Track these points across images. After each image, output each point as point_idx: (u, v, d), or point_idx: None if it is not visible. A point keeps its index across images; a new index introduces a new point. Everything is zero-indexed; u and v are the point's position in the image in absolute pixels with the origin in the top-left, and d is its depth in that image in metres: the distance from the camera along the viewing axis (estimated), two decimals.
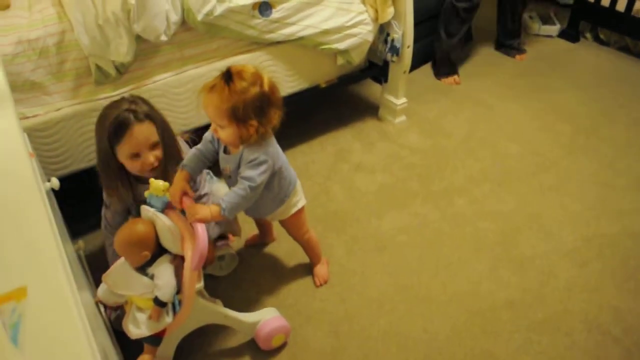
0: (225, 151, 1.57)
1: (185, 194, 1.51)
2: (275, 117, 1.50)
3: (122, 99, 1.61)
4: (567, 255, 2.06)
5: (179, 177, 1.54)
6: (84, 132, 1.96)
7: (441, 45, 3.11)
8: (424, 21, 2.97)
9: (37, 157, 1.82)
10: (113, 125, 1.53)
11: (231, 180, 1.61)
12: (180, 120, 2.16)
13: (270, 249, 2.10)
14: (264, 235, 2.09)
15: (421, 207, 2.29)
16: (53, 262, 0.84)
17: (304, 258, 2.00)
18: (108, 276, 1.48)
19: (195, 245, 1.41)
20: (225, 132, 1.46)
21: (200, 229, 1.41)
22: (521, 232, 2.17)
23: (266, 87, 1.45)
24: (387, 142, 2.67)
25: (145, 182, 1.64)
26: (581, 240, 2.13)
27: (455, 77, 3.17)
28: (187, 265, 1.42)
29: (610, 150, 2.61)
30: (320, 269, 1.97)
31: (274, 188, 1.64)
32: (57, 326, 0.74)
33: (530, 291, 1.93)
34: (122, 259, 1.49)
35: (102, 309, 1.70)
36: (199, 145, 1.61)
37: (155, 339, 1.51)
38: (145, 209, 1.50)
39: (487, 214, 2.25)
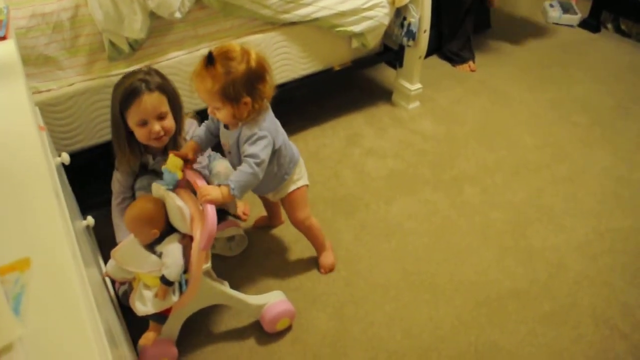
0: (226, 127, 1.60)
1: (189, 164, 1.56)
2: (267, 90, 1.51)
3: (139, 69, 1.67)
4: (578, 248, 2.04)
5: (188, 145, 1.62)
6: (97, 107, 1.96)
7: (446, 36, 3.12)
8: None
9: (49, 132, 1.83)
10: (124, 92, 1.60)
11: (231, 156, 1.64)
12: (193, 99, 2.15)
13: (278, 231, 2.10)
14: (272, 217, 2.09)
15: (431, 195, 2.27)
16: (58, 235, 0.84)
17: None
18: (117, 252, 1.48)
19: (204, 225, 1.41)
20: (222, 113, 1.50)
21: (210, 209, 1.41)
22: (532, 223, 2.14)
23: (253, 63, 1.46)
24: (400, 127, 2.65)
25: (152, 152, 1.74)
26: (593, 233, 2.10)
27: (470, 63, 3.12)
28: (195, 245, 1.42)
29: (626, 143, 2.57)
30: (326, 259, 1.94)
31: (274, 167, 1.64)
32: (60, 298, 0.74)
33: (538, 283, 1.91)
34: (132, 235, 1.49)
35: (111, 284, 1.71)
36: (207, 121, 1.65)
37: (161, 317, 1.52)
38: (156, 187, 1.50)
39: (498, 204, 2.23)
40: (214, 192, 1.44)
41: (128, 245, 1.49)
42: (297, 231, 1.90)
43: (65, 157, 1.50)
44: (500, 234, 2.10)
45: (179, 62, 2.07)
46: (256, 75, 1.47)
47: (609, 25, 3.54)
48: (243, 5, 2.06)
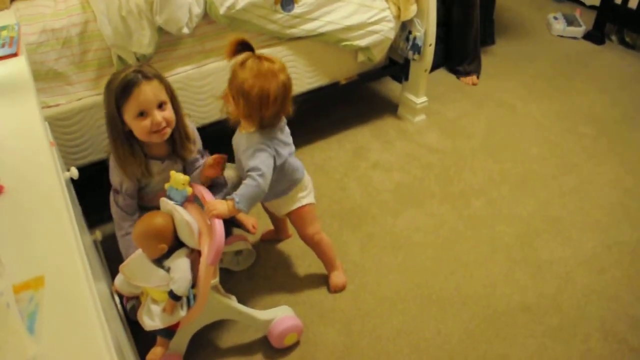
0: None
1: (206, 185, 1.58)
2: (271, 111, 1.53)
3: (130, 65, 1.62)
4: (586, 261, 2.03)
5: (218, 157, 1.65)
6: (105, 122, 1.97)
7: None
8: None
9: (58, 147, 1.84)
10: (120, 85, 1.50)
11: (236, 159, 1.67)
12: (201, 114, 2.17)
13: (285, 245, 2.10)
14: (279, 231, 2.09)
15: (438, 208, 2.27)
16: (70, 252, 0.84)
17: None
18: (125, 267, 1.49)
19: (211, 240, 1.41)
20: (230, 106, 1.56)
21: (218, 224, 1.41)
22: (539, 235, 2.14)
23: (284, 78, 1.52)
24: (406, 141, 2.66)
25: (156, 158, 1.66)
26: (600, 246, 2.09)
27: (474, 77, 3.12)
28: (203, 260, 1.42)
29: (632, 155, 2.56)
30: (336, 278, 1.92)
31: (276, 177, 1.64)
32: (73, 316, 0.74)
33: (547, 296, 1.91)
34: (140, 250, 1.50)
35: (118, 299, 1.71)
36: None
37: (169, 332, 1.51)
38: (164, 202, 1.51)
39: (505, 217, 2.22)
40: (221, 206, 1.45)
41: (136, 259, 1.50)
42: (304, 245, 1.90)
43: (74, 172, 1.51)
44: (507, 246, 2.09)
45: (187, 76, 2.08)
46: (284, 95, 1.53)
47: (613, 37, 3.55)
48: (250, 20, 2.08)
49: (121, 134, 1.57)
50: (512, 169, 2.48)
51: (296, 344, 1.75)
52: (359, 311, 1.86)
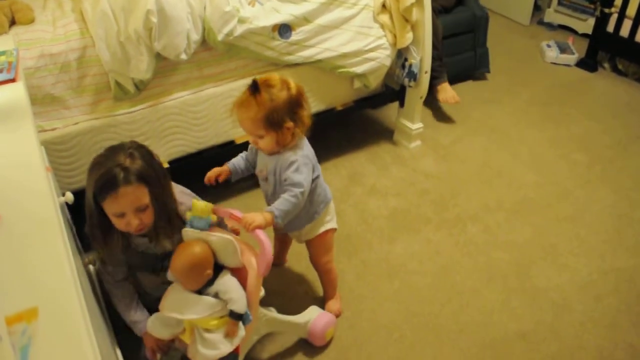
0: None
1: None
2: (307, 117, 1.56)
3: (123, 146, 1.41)
4: (582, 289, 2.03)
5: (221, 169, 1.63)
6: (101, 147, 1.96)
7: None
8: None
9: (53, 170, 1.83)
10: (100, 180, 1.34)
11: (267, 184, 1.64)
12: (197, 139, 2.17)
13: (281, 272, 2.09)
14: (277, 257, 2.07)
15: (434, 234, 2.26)
16: (66, 282, 0.83)
17: (313, 282, 1.98)
18: (166, 307, 1.42)
19: (261, 251, 1.42)
20: (265, 141, 1.53)
21: (262, 234, 1.42)
22: (535, 262, 2.13)
23: (293, 91, 1.53)
24: (402, 166, 2.66)
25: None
26: (597, 273, 2.09)
27: (446, 85, 2.98)
28: (253, 272, 1.42)
29: (627, 181, 2.58)
30: (333, 305, 1.92)
31: (306, 203, 1.63)
32: (67, 349, 0.73)
33: (544, 324, 1.89)
34: (173, 286, 1.45)
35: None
36: (245, 152, 1.69)
37: (235, 356, 1.48)
38: (188, 232, 1.44)
39: (500, 244, 2.22)
40: (259, 218, 1.44)
41: (175, 296, 1.44)
42: (300, 271, 1.89)
43: (70, 197, 1.51)
44: (504, 274, 2.08)
45: (184, 102, 2.09)
46: (296, 101, 1.53)
47: (606, 65, 3.59)
48: (248, 47, 2.10)
49: (96, 221, 1.43)
50: (507, 195, 2.49)
51: None
52: (355, 340, 1.84)
